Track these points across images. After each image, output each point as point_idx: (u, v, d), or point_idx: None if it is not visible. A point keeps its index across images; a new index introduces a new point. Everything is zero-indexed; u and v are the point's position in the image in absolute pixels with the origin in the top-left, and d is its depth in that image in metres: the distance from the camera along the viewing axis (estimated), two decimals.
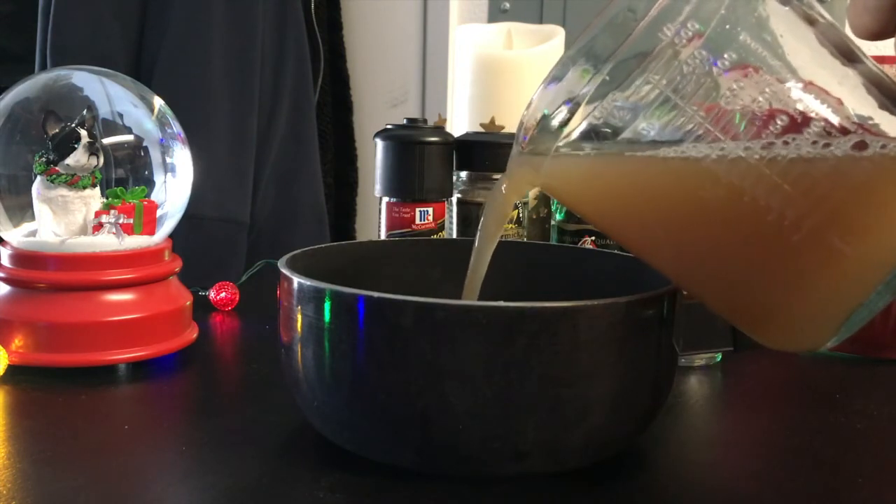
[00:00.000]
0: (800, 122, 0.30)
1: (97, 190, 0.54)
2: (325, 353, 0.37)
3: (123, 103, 0.57)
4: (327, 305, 0.37)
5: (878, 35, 0.32)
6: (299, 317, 0.38)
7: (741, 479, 0.39)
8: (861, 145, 0.29)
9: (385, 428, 0.36)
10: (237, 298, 0.68)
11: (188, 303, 0.57)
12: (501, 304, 0.34)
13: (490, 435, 0.35)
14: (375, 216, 0.66)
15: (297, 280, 0.38)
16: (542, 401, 0.35)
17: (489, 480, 0.37)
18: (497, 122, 0.71)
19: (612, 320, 0.35)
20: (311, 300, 0.37)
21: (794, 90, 0.30)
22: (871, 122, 0.30)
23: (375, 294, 0.35)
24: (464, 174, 0.67)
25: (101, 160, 0.53)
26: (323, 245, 0.48)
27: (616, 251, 0.49)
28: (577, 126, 0.33)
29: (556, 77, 0.35)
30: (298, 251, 0.45)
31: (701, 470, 0.40)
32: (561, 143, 0.34)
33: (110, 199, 0.54)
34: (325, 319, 0.37)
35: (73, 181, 0.52)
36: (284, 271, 0.40)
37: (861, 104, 0.30)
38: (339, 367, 0.37)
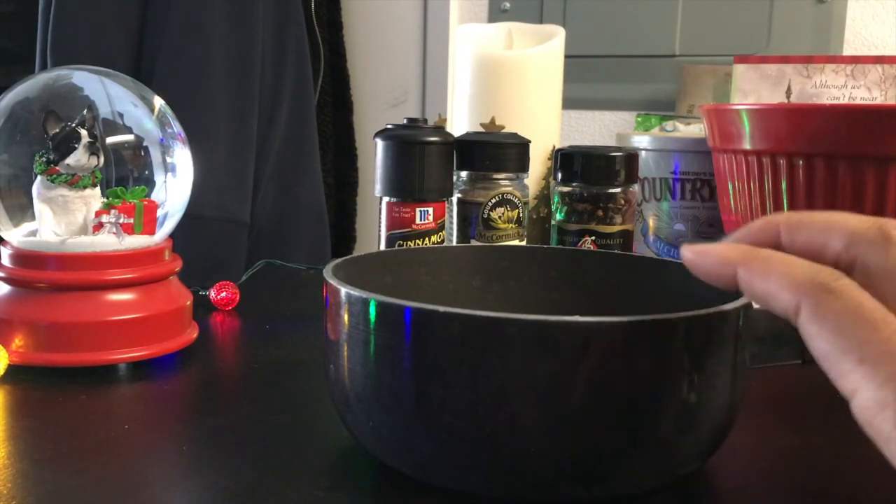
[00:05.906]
0: None
1: (97, 190, 0.54)
2: (385, 371, 0.35)
3: (124, 103, 0.57)
4: (385, 319, 0.34)
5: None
6: (353, 333, 0.35)
7: (740, 478, 0.39)
8: None
9: (450, 451, 0.34)
10: (237, 298, 0.68)
11: (188, 303, 0.57)
12: (577, 318, 0.32)
13: (564, 458, 0.33)
14: (375, 216, 0.66)
15: (353, 294, 0.35)
16: (623, 421, 0.33)
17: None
18: (497, 122, 0.71)
19: (694, 335, 0.33)
20: (367, 314, 0.35)
21: None
22: None
23: (441, 308, 0.32)
24: (464, 174, 0.67)
25: (102, 160, 0.53)
26: (358, 255, 0.46)
27: (652, 256, 0.46)
28: None
29: None
30: (341, 260, 0.42)
31: (703, 469, 0.40)
32: None
33: (110, 198, 0.54)
34: (387, 336, 0.34)
35: (74, 181, 0.52)
36: (332, 282, 0.37)
37: None
38: (399, 386, 0.34)
